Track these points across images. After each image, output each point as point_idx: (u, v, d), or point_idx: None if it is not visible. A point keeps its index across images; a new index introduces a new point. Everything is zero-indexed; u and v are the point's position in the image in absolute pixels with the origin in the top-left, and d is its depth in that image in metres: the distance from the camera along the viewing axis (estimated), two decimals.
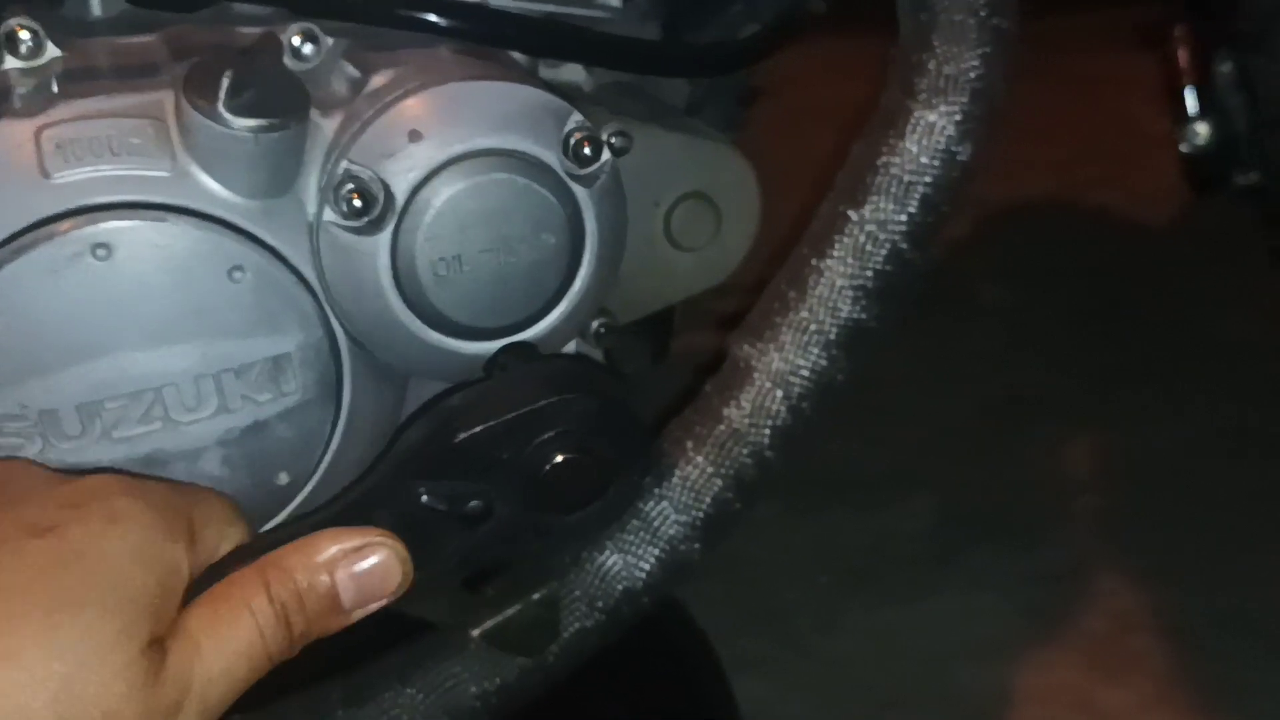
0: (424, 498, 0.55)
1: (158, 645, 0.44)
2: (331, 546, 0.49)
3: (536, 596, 0.70)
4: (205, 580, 0.48)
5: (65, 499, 0.45)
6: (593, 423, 0.58)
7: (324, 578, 0.49)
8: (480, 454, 0.55)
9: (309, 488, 0.59)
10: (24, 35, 0.56)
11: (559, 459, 0.57)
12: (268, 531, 0.55)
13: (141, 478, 0.48)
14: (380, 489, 0.55)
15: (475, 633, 0.70)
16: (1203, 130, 0.92)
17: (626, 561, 0.73)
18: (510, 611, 0.70)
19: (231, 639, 0.46)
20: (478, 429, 0.55)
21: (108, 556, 0.44)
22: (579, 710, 0.92)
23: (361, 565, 0.50)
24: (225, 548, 0.50)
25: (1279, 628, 1.14)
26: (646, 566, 0.73)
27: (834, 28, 0.81)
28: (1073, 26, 1.72)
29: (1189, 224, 1.63)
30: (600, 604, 0.73)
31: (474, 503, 0.56)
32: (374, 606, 0.50)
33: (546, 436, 0.56)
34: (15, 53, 0.56)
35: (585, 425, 0.58)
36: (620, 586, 0.73)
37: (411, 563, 0.51)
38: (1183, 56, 0.94)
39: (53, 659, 0.41)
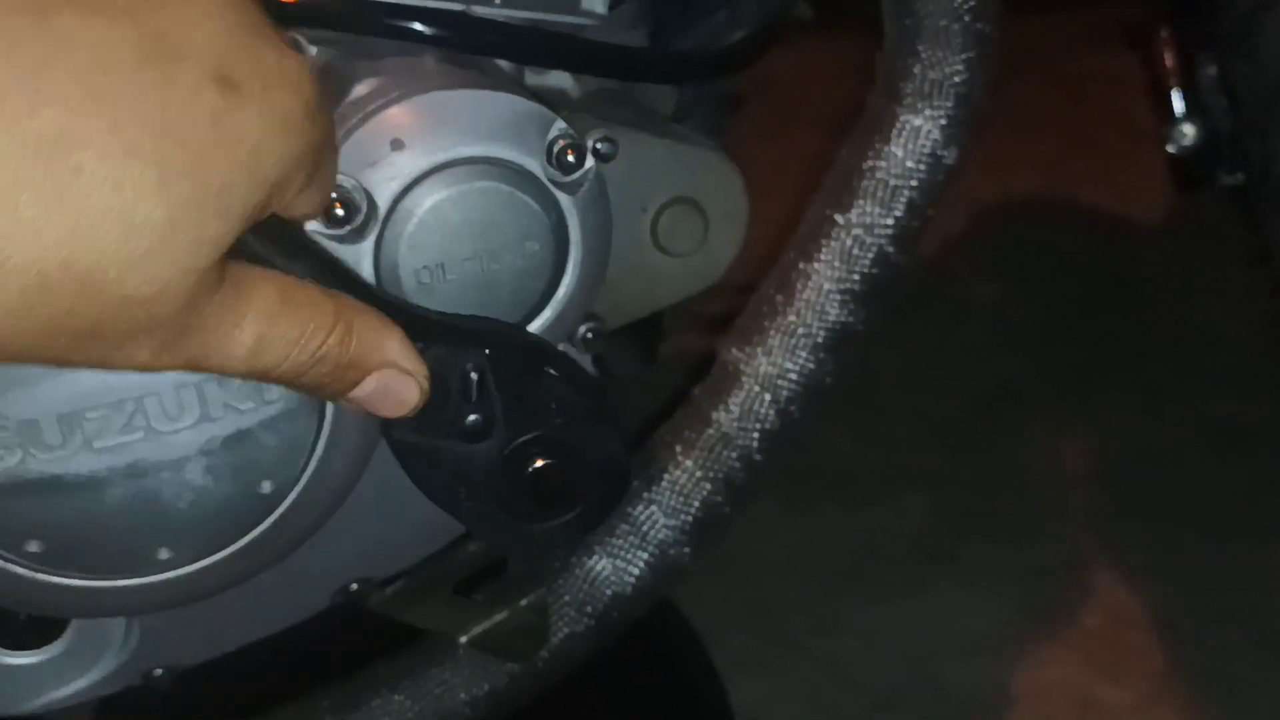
0: (473, 374, 0.55)
1: (215, 268, 0.41)
2: (395, 354, 0.49)
3: (525, 602, 0.71)
4: (275, 242, 0.45)
5: (263, 66, 0.41)
6: (606, 476, 0.60)
7: (364, 370, 0.48)
8: (534, 397, 0.56)
9: (293, 496, 0.58)
10: None
11: (552, 465, 0.58)
12: (343, 272, 0.52)
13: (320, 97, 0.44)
14: (458, 332, 0.54)
15: (464, 639, 0.70)
16: (1189, 131, 0.92)
17: (616, 566, 0.73)
18: (499, 617, 0.70)
19: (268, 340, 0.44)
20: (566, 375, 0.57)
21: (256, 160, 0.41)
22: (571, 712, 0.93)
23: (395, 386, 0.49)
24: (310, 205, 0.47)
25: (1273, 623, 1.15)
26: (636, 571, 0.73)
27: (819, 30, 0.81)
28: (1060, 24, 1.72)
29: (1177, 219, 1.63)
30: (590, 609, 0.73)
31: (477, 419, 0.56)
32: (358, 411, 0.50)
33: (565, 443, 0.58)
34: None
35: (600, 470, 0.59)
36: (610, 591, 0.73)
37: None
38: (1168, 58, 0.94)
39: (156, 221, 0.38)
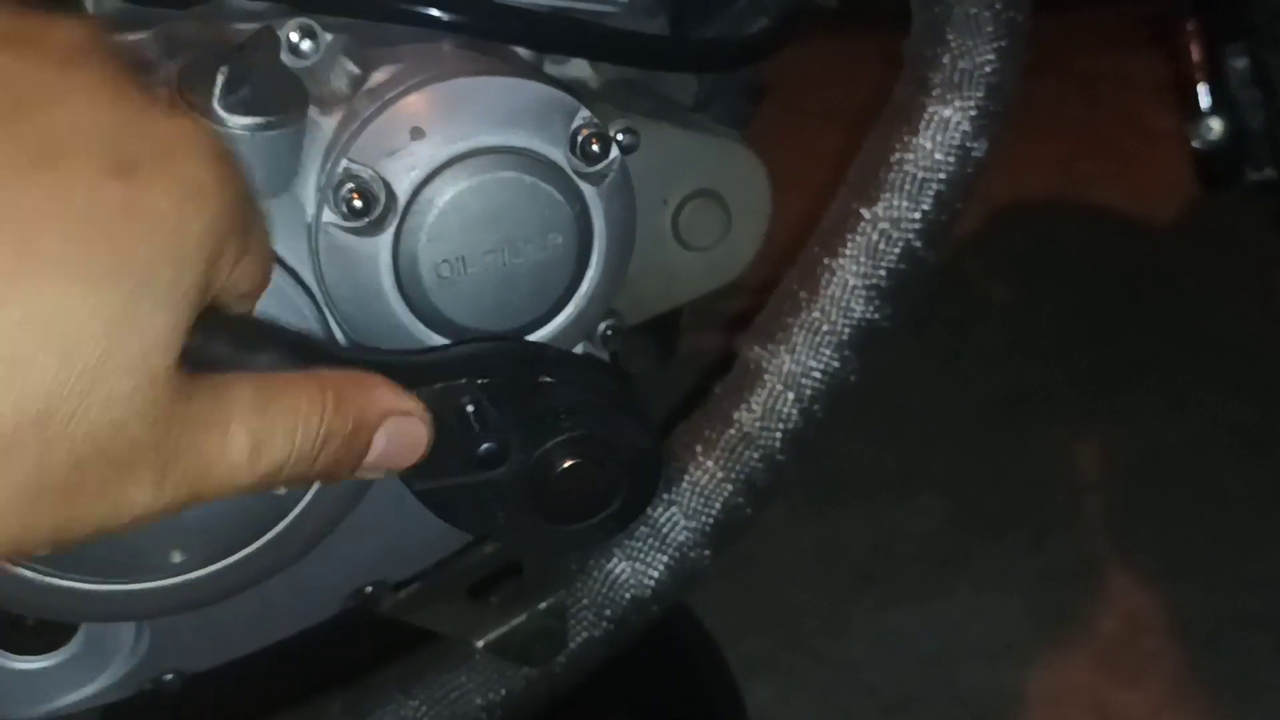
0: (469, 406, 0.52)
1: (180, 375, 0.38)
2: (390, 401, 0.46)
3: (543, 606, 0.69)
4: (232, 340, 0.43)
5: (157, 140, 0.38)
6: (635, 464, 0.58)
7: (368, 431, 0.45)
8: (539, 407, 0.55)
9: (308, 497, 0.57)
10: None
11: (578, 465, 0.56)
12: (306, 340, 0.51)
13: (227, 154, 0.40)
14: (439, 369, 0.52)
15: (480, 643, 0.68)
16: (1216, 125, 0.91)
17: (635, 569, 0.71)
18: (516, 621, 0.69)
19: (264, 447, 0.41)
20: (562, 382, 0.55)
21: (179, 237, 0.37)
22: (584, 714, 0.91)
23: (401, 432, 0.47)
24: (247, 283, 0.44)
25: None
26: (655, 574, 0.72)
27: (836, 27, 0.80)
28: (1072, 23, 1.70)
29: (1192, 219, 1.62)
30: (608, 613, 0.71)
31: (490, 445, 0.54)
32: (378, 474, 0.48)
33: (586, 443, 0.56)
34: None
35: (626, 445, 0.57)
36: (628, 595, 0.71)
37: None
38: (1195, 52, 0.93)
39: (92, 334, 0.35)
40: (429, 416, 0.49)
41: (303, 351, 0.46)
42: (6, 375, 0.34)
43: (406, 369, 0.51)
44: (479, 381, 0.53)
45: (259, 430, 0.41)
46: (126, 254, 0.36)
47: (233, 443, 0.40)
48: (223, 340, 0.42)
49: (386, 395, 0.46)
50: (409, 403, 0.47)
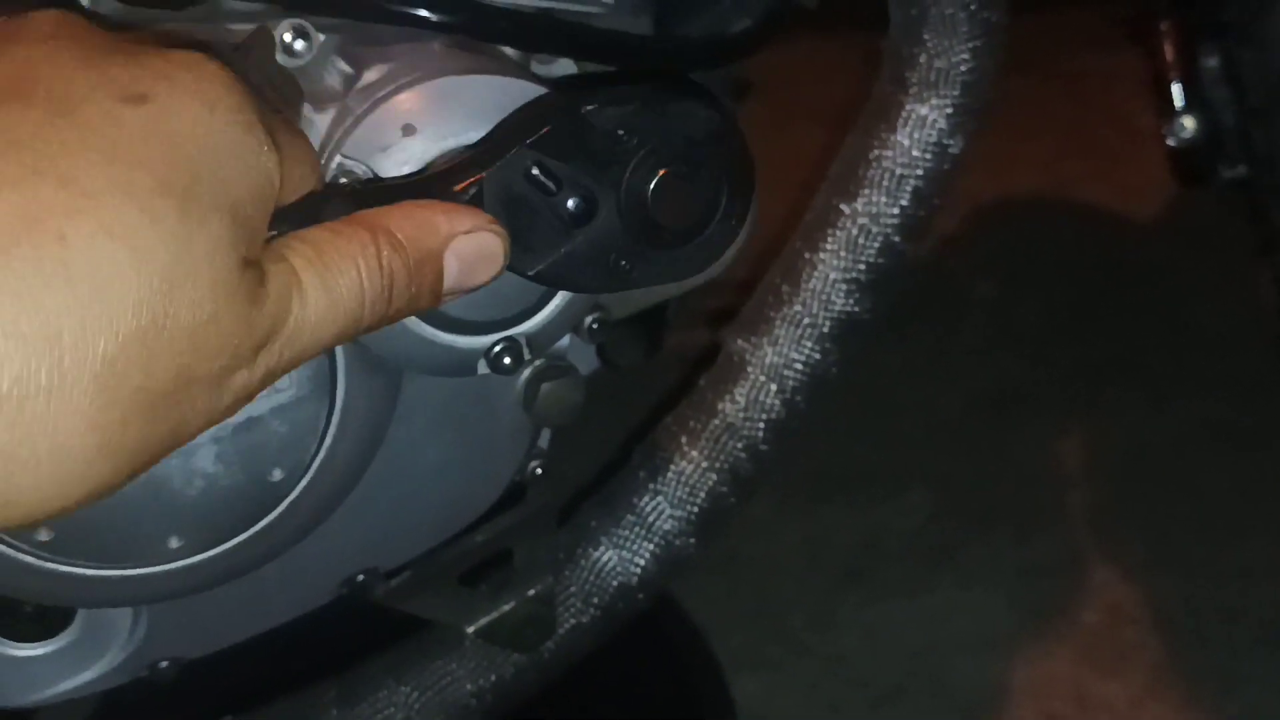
0: (533, 170, 0.51)
1: (253, 265, 0.39)
2: (446, 224, 0.46)
3: (531, 593, 0.70)
4: (297, 215, 0.44)
5: (159, 70, 0.39)
6: (714, 140, 0.55)
7: (435, 257, 0.45)
8: (596, 138, 0.53)
9: (303, 484, 0.58)
10: None
11: (667, 174, 0.54)
12: (363, 185, 0.51)
13: (231, 76, 0.41)
14: (486, 155, 0.51)
15: (470, 630, 0.70)
16: (1190, 124, 0.93)
17: (621, 557, 0.73)
18: (505, 608, 0.70)
19: (334, 288, 0.42)
20: (609, 101, 0.53)
21: (211, 147, 0.39)
22: (575, 708, 0.92)
23: (471, 249, 0.47)
24: (301, 189, 0.45)
25: (1271, 618, 1.14)
26: (641, 562, 0.73)
27: (822, 27, 0.81)
28: (1058, 22, 1.71)
29: (1176, 218, 1.63)
30: (596, 600, 0.73)
31: (576, 198, 0.52)
32: (466, 291, 0.47)
33: (660, 149, 0.54)
34: None
35: (705, 139, 0.55)
36: (615, 582, 0.73)
37: (510, 247, 0.48)
38: (1169, 50, 0.95)
39: (158, 242, 0.36)
40: (494, 224, 0.48)
41: (339, 201, 0.46)
42: (94, 297, 0.35)
43: (453, 172, 0.51)
44: (526, 143, 0.52)
45: (326, 282, 0.42)
46: (164, 171, 0.37)
47: (309, 301, 0.41)
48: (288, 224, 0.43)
49: (440, 219, 0.46)
50: (468, 219, 0.47)
